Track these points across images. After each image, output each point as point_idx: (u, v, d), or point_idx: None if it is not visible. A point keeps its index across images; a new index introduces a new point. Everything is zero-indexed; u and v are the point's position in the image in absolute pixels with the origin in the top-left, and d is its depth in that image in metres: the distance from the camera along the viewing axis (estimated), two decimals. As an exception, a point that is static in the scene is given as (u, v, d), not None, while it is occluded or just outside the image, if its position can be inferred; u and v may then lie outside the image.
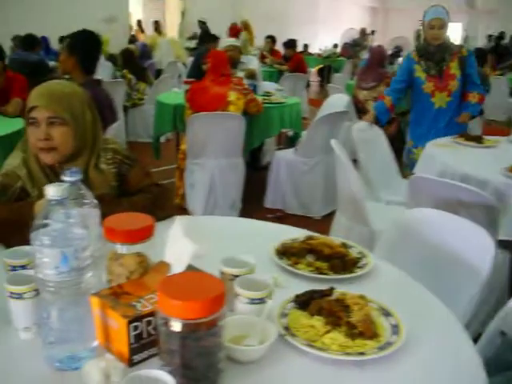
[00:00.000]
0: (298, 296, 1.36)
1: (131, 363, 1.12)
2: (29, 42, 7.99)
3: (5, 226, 1.68)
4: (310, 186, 4.75)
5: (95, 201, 1.33)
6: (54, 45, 10.26)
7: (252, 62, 6.08)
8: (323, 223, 2.48)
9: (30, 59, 7.03)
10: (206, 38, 9.91)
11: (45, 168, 1.83)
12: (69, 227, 1.05)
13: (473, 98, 4.05)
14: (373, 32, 18.17)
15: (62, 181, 1.21)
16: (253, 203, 4.83)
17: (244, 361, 1.15)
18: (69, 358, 1.13)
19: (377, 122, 4.07)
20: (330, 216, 4.68)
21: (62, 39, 9.65)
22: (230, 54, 5.55)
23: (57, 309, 1.08)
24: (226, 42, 5.95)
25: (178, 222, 1.24)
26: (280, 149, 5.70)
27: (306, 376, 1.14)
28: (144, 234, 1.29)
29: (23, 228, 1.60)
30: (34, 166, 1.82)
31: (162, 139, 5.92)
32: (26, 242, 1.53)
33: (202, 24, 13.33)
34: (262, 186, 5.01)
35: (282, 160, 4.83)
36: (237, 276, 1.29)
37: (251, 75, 5.81)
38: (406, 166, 4.37)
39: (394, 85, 4.21)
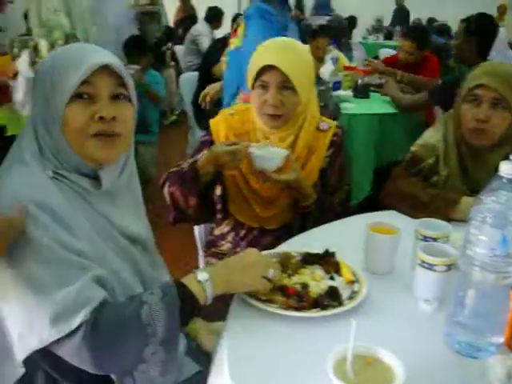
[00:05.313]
0: None
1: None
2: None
3: None
4: None
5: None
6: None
7: None
8: None
9: (436, 42, 7.25)
10: None
11: (463, 147, 1.74)
12: (512, 209, 0.97)
13: None
14: None
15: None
16: None
17: None
18: (468, 344, 1.07)
19: None
20: None
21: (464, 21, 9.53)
22: None
23: (476, 291, 1.03)
24: None
25: None
26: None
27: None
28: None
29: None
30: (452, 145, 1.75)
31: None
32: None
33: None
34: None
35: None
36: None
37: None
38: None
39: None
